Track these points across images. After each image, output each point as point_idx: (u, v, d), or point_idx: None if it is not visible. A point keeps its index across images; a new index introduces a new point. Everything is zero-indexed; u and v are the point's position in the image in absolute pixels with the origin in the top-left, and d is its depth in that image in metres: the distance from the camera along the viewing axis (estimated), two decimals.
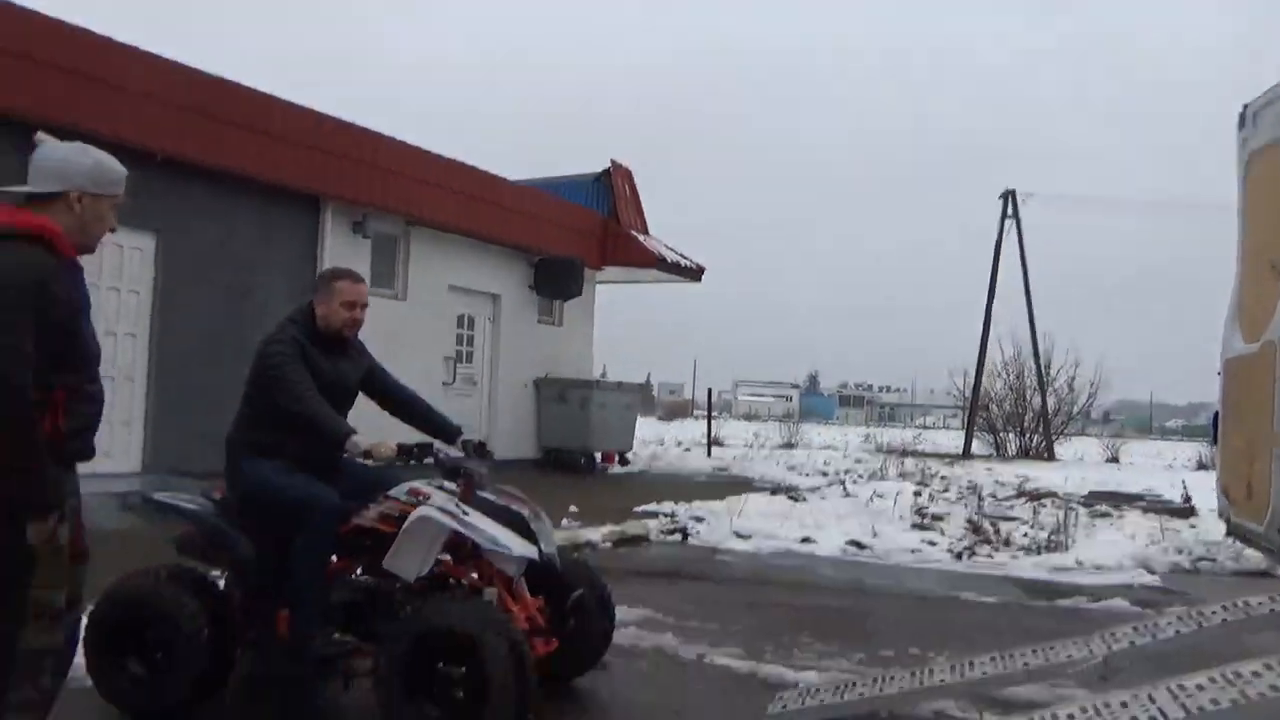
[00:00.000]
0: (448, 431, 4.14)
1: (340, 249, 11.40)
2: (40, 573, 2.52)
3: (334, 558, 3.81)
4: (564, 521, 8.53)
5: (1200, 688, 2.77)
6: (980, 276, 28.54)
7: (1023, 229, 28.62)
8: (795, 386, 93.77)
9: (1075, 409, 28.19)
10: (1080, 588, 7.00)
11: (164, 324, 9.73)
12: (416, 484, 3.77)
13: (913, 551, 8.45)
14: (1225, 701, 2.64)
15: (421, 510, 3.59)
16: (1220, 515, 4.74)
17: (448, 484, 3.79)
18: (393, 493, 3.76)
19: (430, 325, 12.68)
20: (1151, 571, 7.77)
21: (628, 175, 16.41)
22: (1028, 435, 27.01)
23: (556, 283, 14.42)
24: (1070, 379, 27.24)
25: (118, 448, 9.35)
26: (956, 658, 4.04)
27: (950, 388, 30.09)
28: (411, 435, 4.06)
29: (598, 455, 14.43)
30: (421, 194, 12.43)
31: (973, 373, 27.92)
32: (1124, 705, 2.83)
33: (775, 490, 12.28)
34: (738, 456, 19.41)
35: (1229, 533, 4.44)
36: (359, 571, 3.89)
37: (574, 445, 14.10)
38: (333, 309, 3.94)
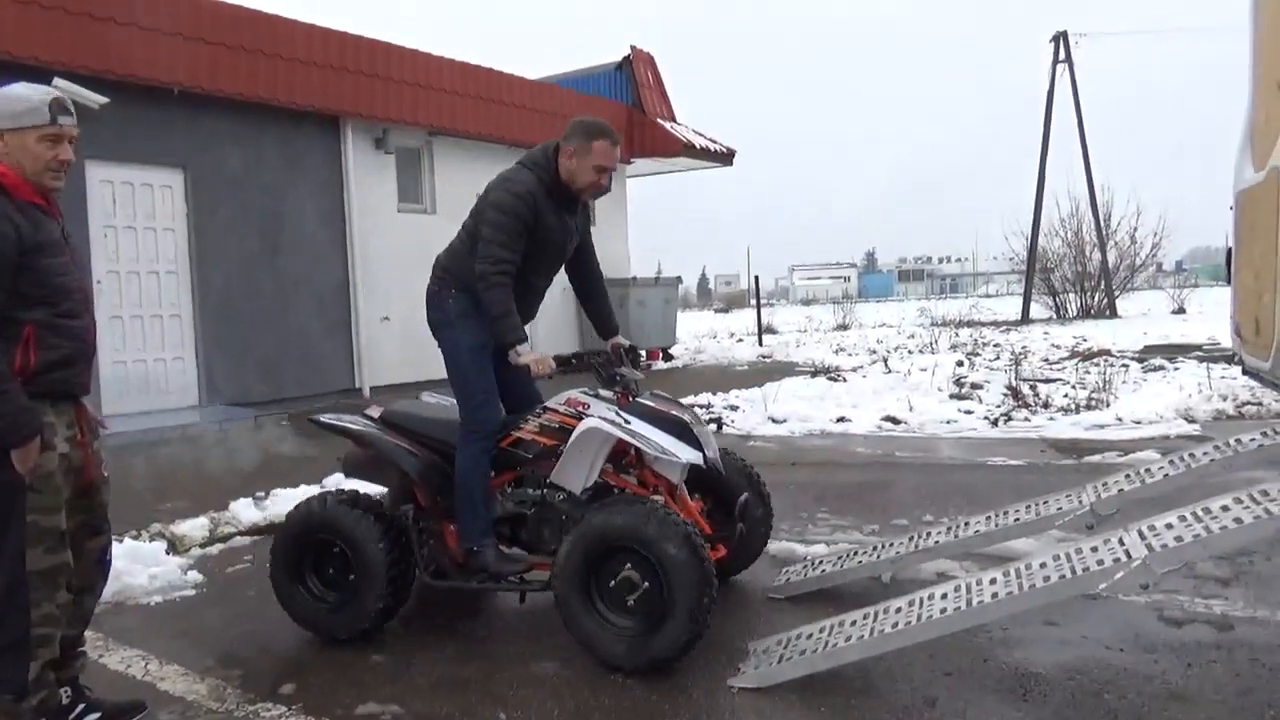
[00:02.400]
0: (607, 330, 4.07)
1: (364, 167, 11.50)
2: (35, 499, 2.69)
3: (493, 472, 3.76)
4: None
5: (1169, 526, 2.78)
6: (1036, 130, 27.34)
7: (1076, 73, 27.24)
8: (853, 266, 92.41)
9: (1139, 262, 27.24)
10: (1112, 443, 6.95)
11: (201, 258, 9.98)
12: (574, 394, 3.71)
13: (948, 422, 8.43)
14: (1189, 537, 2.65)
15: (589, 421, 3.53)
16: (1234, 355, 4.64)
17: (604, 392, 3.74)
18: (551, 404, 3.71)
19: None
20: (1192, 421, 7.66)
21: (650, 61, 16.02)
22: (1089, 294, 26.28)
23: None
24: (1132, 230, 26.32)
25: (174, 383, 9.77)
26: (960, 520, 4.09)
27: (1009, 252, 29.26)
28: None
29: (642, 352, 14.53)
30: (440, 103, 12.35)
31: (1030, 234, 27.12)
32: (1094, 550, 2.86)
33: (816, 373, 12.28)
34: (788, 343, 19.40)
35: (1244, 372, 4.34)
36: (518, 484, 3.82)
37: None
38: (583, 167, 3.70)
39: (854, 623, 3.17)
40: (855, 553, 4.09)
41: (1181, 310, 25.29)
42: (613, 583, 3.29)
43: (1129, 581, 2.72)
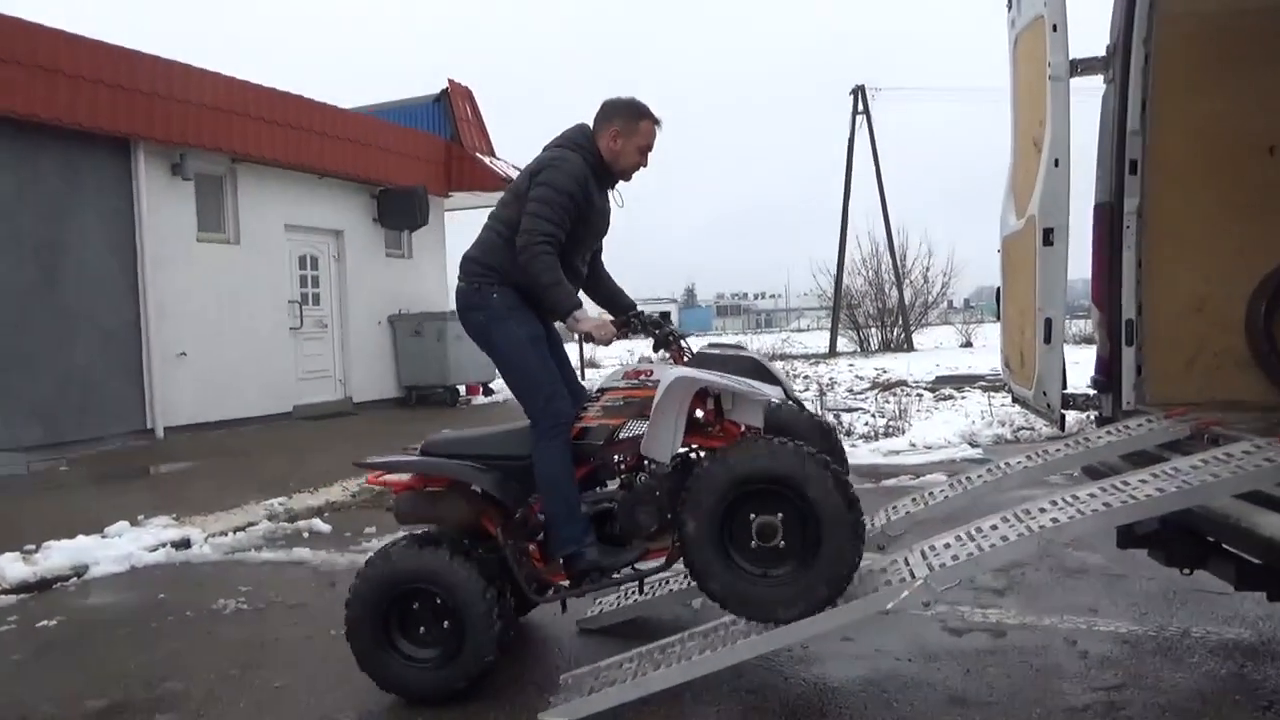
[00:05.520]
0: (624, 308, 3.89)
1: (159, 193, 10.78)
2: None
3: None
4: None
5: (947, 545, 3.00)
6: (840, 175, 29.08)
7: (873, 124, 29.22)
8: (674, 301, 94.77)
9: (931, 299, 29.39)
10: (907, 467, 7.44)
11: None
12: (630, 367, 3.52)
13: None
14: (963, 555, 2.86)
15: (672, 373, 3.23)
16: (1004, 385, 5.08)
17: (655, 356, 3.54)
18: (606, 384, 3.51)
19: (268, 268, 12.18)
20: (975, 445, 8.31)
21: (467, 95, 15.93)
22: (889, 329, 28.06)
23: (401, 214, 14.00)
24: (925, 270, 28.37)
25: None
26: None
27: (817, 289, 30.88)
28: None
29: (461, 388, 14.31)
30: (245, 129, 11.77)
31: (835, 273, 28.73)
32: (883, 570, 3.05)
33: None
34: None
35: (1013, 401, 4.75)
36: (588, 483, 3.57)
37: (433, 380, 13.90)
38: (628, 149, 3.64)
39: (663, 651, 3.22)
40: (666, 581, 4.15)
41: (969, 344, 27.42)
42: (749, 531, 3.03)
43: (913, 600, 2.90)
